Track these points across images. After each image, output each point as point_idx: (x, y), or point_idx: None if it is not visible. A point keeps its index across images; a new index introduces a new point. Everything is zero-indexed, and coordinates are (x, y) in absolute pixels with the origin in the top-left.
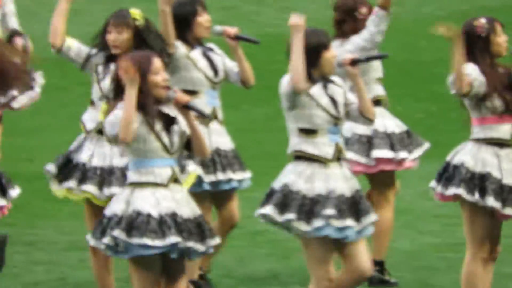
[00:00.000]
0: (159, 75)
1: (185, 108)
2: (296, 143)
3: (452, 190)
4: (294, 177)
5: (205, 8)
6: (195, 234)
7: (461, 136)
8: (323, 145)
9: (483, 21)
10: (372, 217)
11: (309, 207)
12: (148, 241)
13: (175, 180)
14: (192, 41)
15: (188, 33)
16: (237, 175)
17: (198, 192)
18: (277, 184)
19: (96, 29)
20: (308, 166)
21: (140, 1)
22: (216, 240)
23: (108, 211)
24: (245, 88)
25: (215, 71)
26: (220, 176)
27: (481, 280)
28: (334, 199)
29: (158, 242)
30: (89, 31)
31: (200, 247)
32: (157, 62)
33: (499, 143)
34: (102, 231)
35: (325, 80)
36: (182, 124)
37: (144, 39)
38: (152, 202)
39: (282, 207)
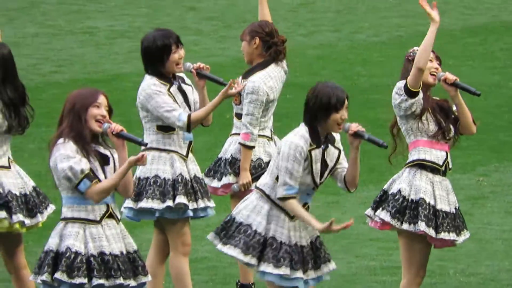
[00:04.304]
0: (100, 109)
1: (118, 137)
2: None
3: (382, 216)
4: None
5: (179, 42)
6: (125, 270)
7: (395, 161)
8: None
9: (416, 48)
10: (331, 265)
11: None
12: (77, 280)
13: (110, 215)
14: (166, 75)
15: (161, 68)
16: (211, 203)
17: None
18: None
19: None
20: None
21: None
22: (148, 278)
23: (46, 246)
24: (203, 126)
25: (189, 106)
26: (201, 203)
27: None
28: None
29: (84, 280)
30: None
31: (131, 282)
32: (101, 98)
33: (432, 169)
34: (39, 265)
35: (328, 141)
36: (115, 161)
37: None
38: (81, 239)
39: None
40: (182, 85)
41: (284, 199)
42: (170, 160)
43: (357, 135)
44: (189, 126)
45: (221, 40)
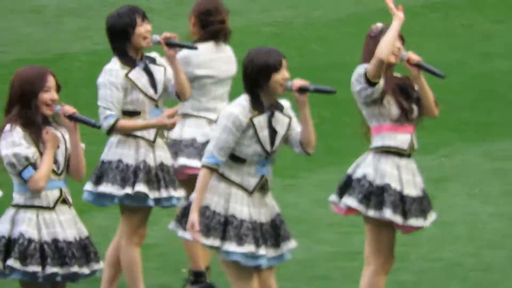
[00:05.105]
0: (49, 93)
1: (70, 119)
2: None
3: (349, 202)
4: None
5: (145, 17)
6: (79, 258)
7: (355, 143)
8: (248, 175)
9: (378, 24)
10: (291, 243)
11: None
12: (30, 268)
13: (63, 201)
14: (132, 54)
15: (128, 45)
16: (178, 193)
17: (140, 207)
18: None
19: None
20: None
21: None
22: (100, 265)
23: None
24: (180, 101)
25: (155, 87)
26: (164, 193)
27: None
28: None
29: (37, 268)
30: None
31: (85, 270)
32: (50, 80)
33: (398, 153)
34: None
35: (274, 108)
36: (66, 143)
37: None
38: (34, 226)
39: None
40: (151, 65)
41: (203, 167)
42: (136, 145)
43: (302, 90)
44: (111, 131)
45: (172, 18)
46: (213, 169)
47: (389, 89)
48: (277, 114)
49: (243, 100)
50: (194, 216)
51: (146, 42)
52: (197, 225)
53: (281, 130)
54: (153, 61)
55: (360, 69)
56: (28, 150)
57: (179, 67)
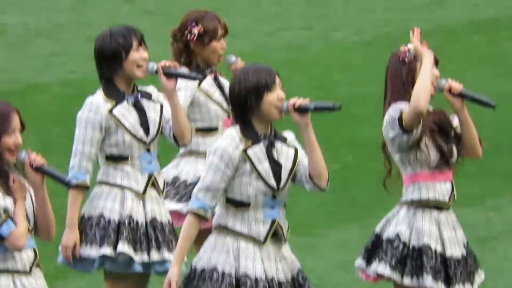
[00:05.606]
0: (13, 136)
1: (38, 170)
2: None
3: (380, 269)
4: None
5: (143, 41)
6: None
7: (383, 193)
8: (256, 222)
9: (410, 46)
10: None
11: None
12: None
13: (37, 264)
14: (121, 86)
15: (118, 73)
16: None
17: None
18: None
19: None
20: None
21: None
22: None
23: None
24: (178, 146)
25: (146, 127)
26: (155, 256)
27: None
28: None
29: None
30: None
31: None
32: (15, 121)
33: (437, 207)
34: None
35: (273, 138)
36: (31, 194)
37: None
38: None
39: None
40: (143, 100)
41: (188, 213)
42: (122, 197)
43: (301, 109)
44: (74, 187)
45: (161, 39)
46: (200, 216)
47: (427, 130)
48: (279, 144)
49: (233, 130)
50: (173, 272)
51: (141, 72)
52: (174, 284)
53: (287, 163)
54: (147, 96)
55: (394, 112)
56: (5, 201)
57: (179, 104)
